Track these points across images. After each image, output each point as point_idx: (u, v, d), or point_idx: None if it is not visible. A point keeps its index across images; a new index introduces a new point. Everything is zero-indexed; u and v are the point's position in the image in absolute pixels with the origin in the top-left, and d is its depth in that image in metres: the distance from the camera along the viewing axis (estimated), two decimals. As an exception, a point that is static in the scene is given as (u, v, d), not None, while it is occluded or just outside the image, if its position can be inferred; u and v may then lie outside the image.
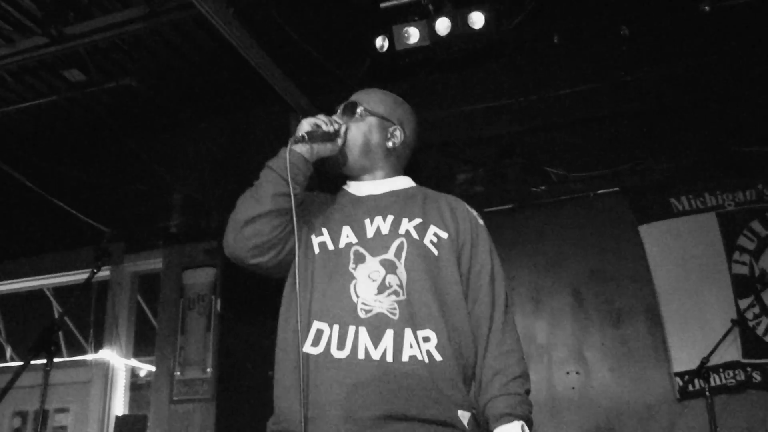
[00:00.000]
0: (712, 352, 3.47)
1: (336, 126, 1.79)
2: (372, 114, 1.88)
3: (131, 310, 5.43)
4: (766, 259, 3.86)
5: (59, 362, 5.64)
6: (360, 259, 1.69)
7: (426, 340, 1.59)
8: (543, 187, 4.26)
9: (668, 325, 3.90)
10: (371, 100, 1.90)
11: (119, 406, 5.25)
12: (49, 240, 5.37)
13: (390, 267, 1.67)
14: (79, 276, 5.36)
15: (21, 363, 2.80)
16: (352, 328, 1.58)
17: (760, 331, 3.79)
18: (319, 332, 1.59)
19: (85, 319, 5.76)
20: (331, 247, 1.73)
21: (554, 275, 4.19)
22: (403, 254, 1.70)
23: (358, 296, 1.63)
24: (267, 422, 1.64)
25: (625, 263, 4.06)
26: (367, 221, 1.77)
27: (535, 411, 4.03)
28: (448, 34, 3.22)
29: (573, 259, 4.17)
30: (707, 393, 3.40)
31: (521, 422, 1.58)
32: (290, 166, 1.69)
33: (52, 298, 6.34)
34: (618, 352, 3.99)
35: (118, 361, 5.26)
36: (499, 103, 4.19)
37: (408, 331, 1.59)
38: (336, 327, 1.59)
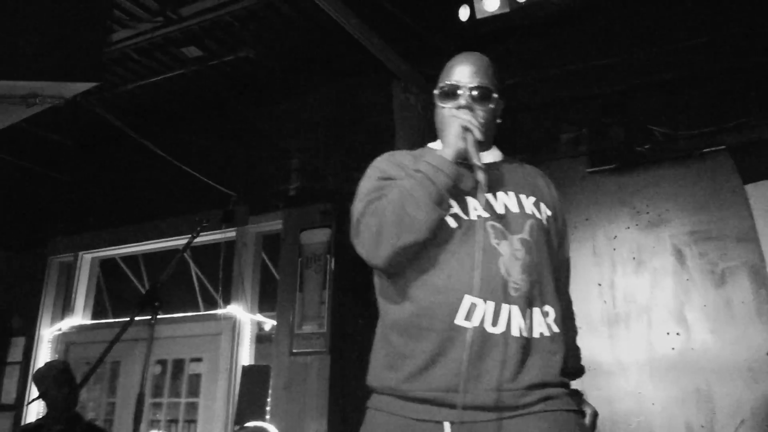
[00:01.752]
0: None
1: (481, 133, 1.91)
2: (498, 96, 2.08)
3: (255, 268, 6.22)
4: None
5: (194, 315, 6.70)
6: (501, 235, 1.89)
7: (546, 315, 1.90)
8: (647, 146, 4.58)
9: (774, 285, 4.16)
10: (492, 77, 2.08)
11: (246, 356, 6.03)
12: (181, 204, 6.31)
13: (528, 247, 1.91)
14: (209, 237, 6.26)
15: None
16: (505, 306, 1.82)
17: None
18: (473, 306, 1.80)
19: (217, 276, 6.79)
20: (464, 217, 1.92)
21: (656, 235, 4.51)
22: (535, 234, 1.95)
23: (509, 274, 1.85)
24: (380, 381, 1.89)
25: (730, 223, 4.30)
26: (490, 196, 1.95)
27: (634, 371, 4.58)
28: (527, 1, 3.70)
29: (675, 219, 4.44)
30: None
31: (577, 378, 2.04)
32: (449, 182, 1.85)
33: (188, 258, 7.47)
34: (720, 313, 4.22)
35: (244, 315, 6.03)
36: (600, 63, 4.58)
37: (537, 309, 1.89)
38: (491, 304, 1.81)
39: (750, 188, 4.29)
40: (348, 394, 5.16)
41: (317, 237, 5.79)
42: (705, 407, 4.16)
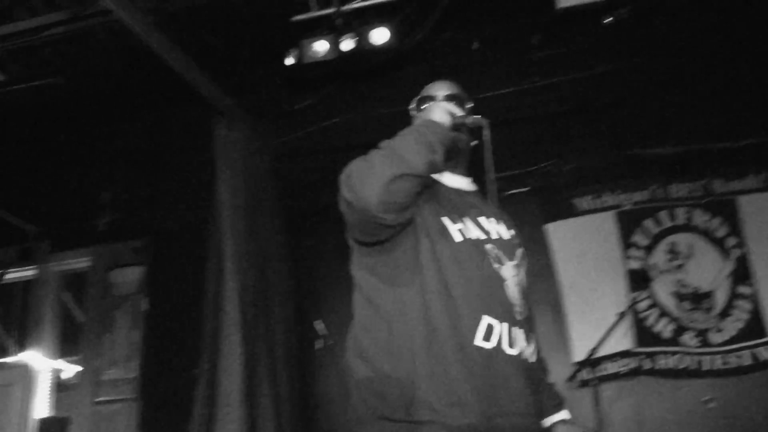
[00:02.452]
0: (598, 345, 4.05)
1: (468, 120, 1.99)
2: (470, 108, 2.15)
3: (56, 309, 5.80)
4: (657, 254, 4.59)
5: (-20, 366, 6.10)
6: (499, 260, 1.92)
7: (533, 340, 1.97)
8: (456, 187, 4.91)
9: (570, 318, 4.55)
10: (464, 93, 2.17)
11: (42, 408, 5.56)
12: None
13: (520, 274, 1.98)
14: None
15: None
16: (515, 330, 1.85)
17: (650, 321, 4.48)
18: (490, 327, 1.80)
19: (10, 319, 6.21)
20: (468, 235, 1.91)
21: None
22: (524, 264, 2.05)
23: (513, 298, 1.90)
24: (391, 411, 1.74)
25: (532, 260, 4.72)
26: (482, 219, 1.98)
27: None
28: (353, 50, 3.88)
29: (484, 255, 4.83)
30: (596, 382, 4.05)
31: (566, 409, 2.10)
32: (442, 138, 1.82)
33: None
34: (523, 343, 4.64)
35: (41, 362, 5.58)
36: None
37: (533, 335, 1.97)
38: (505, 325, 1.83)
39: (549, 227, 4.73)
40: (160, 444, 4.91)
41: (129, 275, 5.58)
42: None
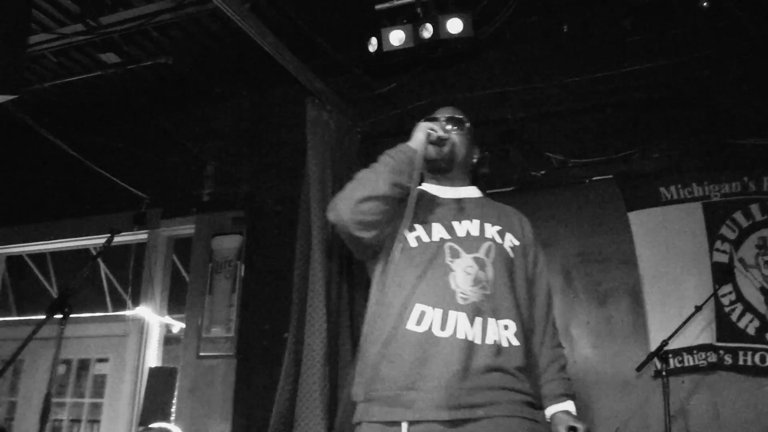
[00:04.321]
0: (671, 336, 4.03)
1: (446, 135, 2.35)
2: (470, 133, 2.52)
3: (166, 271, 6.30)
4: (746, 248, 4.44)
5: (102, 316, 6.73)
6: (455, 254, 2.18)
7: (506, 327, 2.14)
8: (543, 172, 4.92)
9: (649, 307, 4.51)
10: (466, 118, 2.54)
11: (153, 358, 6.13)
12: (93, 204, 6.34)
13: (481, 264, 2.18)
14: (120, 238, 6.33)
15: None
16: (452, 313, 2.07)
17: (734, 317, 4.37)
18: (422, 314, 2.09)
19: (127, 277, 6.81)
20: (426, 240, 2.23)
21: (547, 256, 4.79)
22: (491, 255, 2.22)
23: (457, 286, 2.11)
24: (350, 388, 2.17)
25: (613, 247, 4.69)
26: (455, 223, 2.27)
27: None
28: (431, 38, 3.97)
29: (565, 241, 4.81)
30: (663, 373, 3.96)
31: (572, 401, 2.26)
32: (406, 159, 2.21)
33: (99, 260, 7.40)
34: (602, 330, 4.63)
35: (152, 317, 6.11)
36: (501, 91, 4.91)
37: (491, 320, 2.11)
38: (439, 311, 2.08)
39: (632, 215, 4.68)
40: (253, 397, 5.29)
41: (228, 243, 5.93)
42: (584, 417, 4.50)
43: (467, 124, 2.51)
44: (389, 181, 2.13)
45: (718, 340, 4.38)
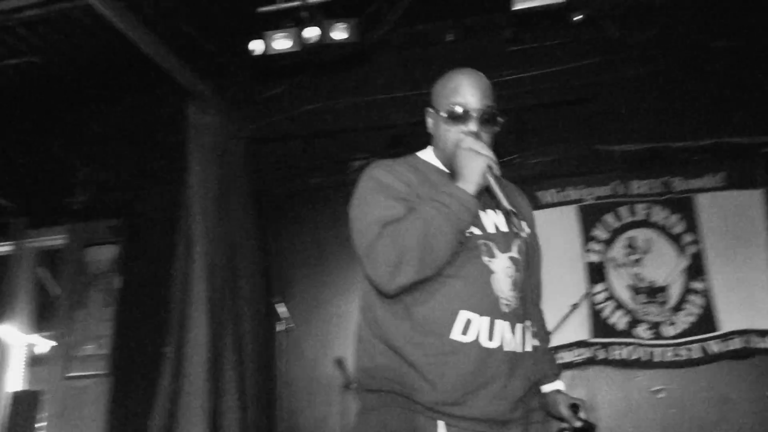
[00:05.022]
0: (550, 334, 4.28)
1: (499, 171, 1.93)
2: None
3: (31, 285, 5.92)
4: (616, 248, 4.76)
5: (-43, 337, 6.21)
6: (491, 253, 1.92)
7: (528, 329, 1.99)
8: (430, 177, 5.04)
9: (529, 308, 4.75)
10: (493, 98, 2.05)
11: (15, 381, 5.69)
12: None
13: (516, 265, 1.97)
14: None
15: None
16: (498, 322, 1.87)
17: (606, 313, 4.66)
18: (468, 322, 1.85)
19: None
20: None
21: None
22: (522, 254, 2.01)
23: (500, 290, 1.90)
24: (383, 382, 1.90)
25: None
26: (481, 213, 1.95)
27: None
28: (317, 42, 4.00)
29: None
30: None
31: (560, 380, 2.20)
32: (471, 219, 1.87)
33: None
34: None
35: (14, 336, 5.70)
36: (390, 96, 5.01)
37: (527, 325, 1.98)
38: (486, 319, 1.86)
39: (512, 219, 4.86)
40: (128, 419, 5.06)
41: (103, 254, 5.69)
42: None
43: (500, 120, 2.07)
44: (451, 251, 1.85)
45: (593, 336, 4.64)
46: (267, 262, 5.20)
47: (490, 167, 1.89)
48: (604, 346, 4.61)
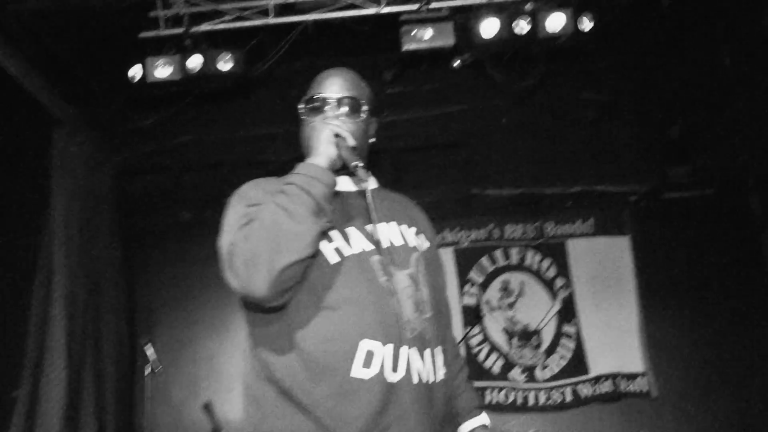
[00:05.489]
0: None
1: (354, 140, 1.79)
2: (369, 112, 1.92)
3: None
4: (491, 291, 4.85)
5: None
6: (387, 271, 1.73)
7: (438, 355, 1.78)
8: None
9: (403, 350, 4.74)
10: (363, 92, 1.93)
11: None
12: None
13: (416, 283, 1.77)
14: None
15: None
16: (404, 350, 1.66)
17: (481, 356, 4.72)
18: (370, 353, 1.63)
19: None
20: (347, 252, 1.73)
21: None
22: (421, 269, 1.81)
23: (403, 314, 1.69)
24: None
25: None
26: (369, 226, 1.78)
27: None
28: (199, 72, 3.89)
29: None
30: None
31: (484, 412, 1.99)
32: (328, 191, 1.67)
33: None
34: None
35: None
36: (268, 131, 4.94)
37: (437, 350, 1.76)
38: (390, 347, 1.64)
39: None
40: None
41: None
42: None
43: (365, 108, 1.91)
44: (316, 232, 1.62)
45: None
46: (133, 299, 4.96)
47: (337, 135, 1.76)
48: (480, 390, 4.64)
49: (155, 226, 4.92)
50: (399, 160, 4.89)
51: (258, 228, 1.61)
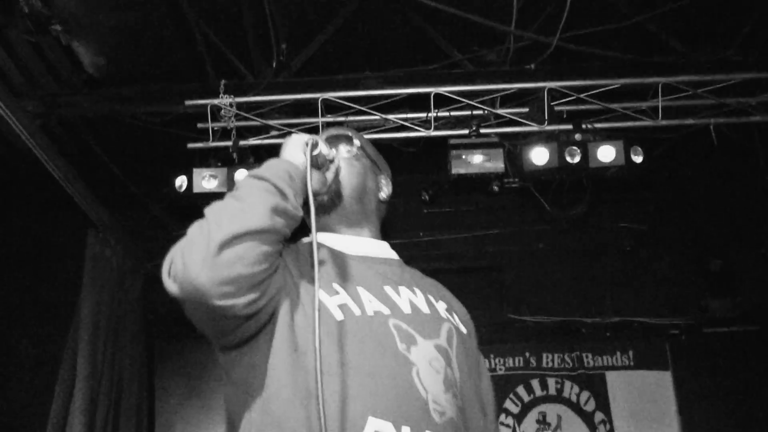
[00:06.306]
0: None
1: (333, 153, 1.52)
2: (367, 155, 1.71)
3: None
4: (527, 423, 4.66)
5: None
6: (410, 339, 1.41)
7: None
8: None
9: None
10: (363, 139, 1.72)
11: None
12: None
13: (446, 357, 1.45)
14: None
15: None
16: None
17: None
18: None
19: None
20: (357, 311, 1.41)
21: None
22: (454, 344, 1.49)
23: (426, 390, 1.35)
24: None
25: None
26: (389, 289, 1.50)
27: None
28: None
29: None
30: None
31: None
32: (283, 175, 1.36)
33: None
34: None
35: None
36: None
37: None
38: (407, 430, 1.29)
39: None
40: None
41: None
42: None
43: (357, 142, 1.68)
44: (267, 206, 1.28)
45: None
46: (151, 402, 4.87)
47: (307, 143, 1.41)
48: None
49: (178, 333, 4.81)
50: (435, 280, 4.82)
51: (199, 220, 1.32)
